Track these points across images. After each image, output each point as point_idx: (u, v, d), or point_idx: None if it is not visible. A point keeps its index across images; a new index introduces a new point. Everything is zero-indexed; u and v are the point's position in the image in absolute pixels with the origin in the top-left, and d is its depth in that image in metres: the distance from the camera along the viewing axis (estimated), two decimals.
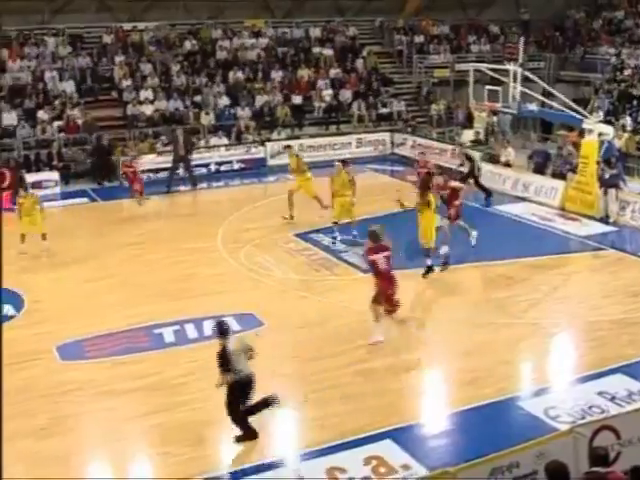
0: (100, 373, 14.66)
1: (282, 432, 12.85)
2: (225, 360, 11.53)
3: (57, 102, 33.33)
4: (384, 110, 37.67)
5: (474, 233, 20.45)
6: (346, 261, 20.50)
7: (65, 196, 29.04)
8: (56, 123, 32.48)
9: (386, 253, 14.93)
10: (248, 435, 11.97)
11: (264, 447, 12.20)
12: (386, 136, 35.79)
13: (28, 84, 34.11)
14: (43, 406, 13.44)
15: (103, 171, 31.19)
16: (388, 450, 11.72)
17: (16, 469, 11.29)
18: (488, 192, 26.99)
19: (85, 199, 28.82)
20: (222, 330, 11.79)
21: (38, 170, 30.50)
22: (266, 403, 12.09)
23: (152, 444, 12.37)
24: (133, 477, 11.72)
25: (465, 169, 27.43)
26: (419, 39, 41.99)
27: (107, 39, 37.29)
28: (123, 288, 18.96)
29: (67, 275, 20.04)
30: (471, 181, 26.75)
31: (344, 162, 22.92)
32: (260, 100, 35.98)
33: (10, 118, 32.34)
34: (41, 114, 32.54)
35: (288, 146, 26.28)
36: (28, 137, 31.90)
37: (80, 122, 32.73)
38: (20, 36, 35.94)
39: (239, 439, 11.98)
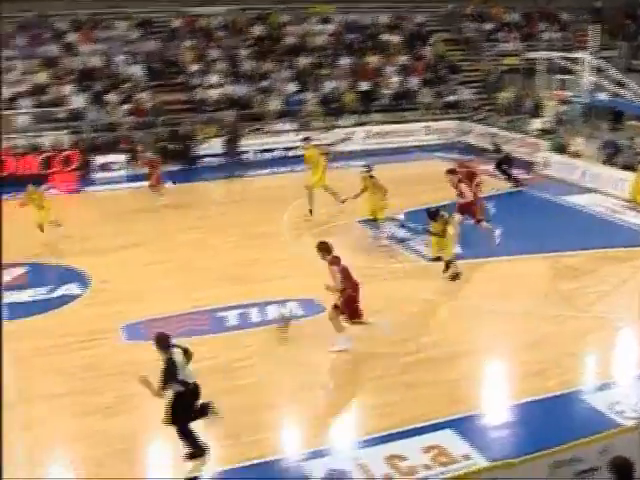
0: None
1: (342, 419, 12.85)
2: (172, 372, 10.81)
3: (126, 85, 33.69)
4: (451, 98, 37.39)
5: (497, 232, 20.02)
6: (411, 249, 20.39)
7: (131, 179, 29.33)
8: (124, 106, 32.83)
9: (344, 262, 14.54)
10: (197, 450, 11.28)
11: (324, 433, 12.23)
12: (453, 124, 35.54)
13: (98, 67, 34.51)
14: (109, 384, 13.64)
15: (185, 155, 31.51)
16: (448, 440, 11.65)
17: (84, 444, 11.49)
18: (517, 182, 26.83)
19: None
20: (165, 344, 11.01)
21: (105, 153, 30.82)
22: (203, 411, 11.42)
23: (209, 426, 12.42)
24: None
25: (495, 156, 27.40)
26: (488, 26, 41.55)
27: (176, 23, 37.54)
28: (187, 271, 19.12)
29: (132, 257, 20.26)
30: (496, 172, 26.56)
31: (367, 167, 22.01)
32: (327, 86, 35.94)
33: (79, 101, 32.79)
34: (110, 97, 32.92)
35: (306, 138, 25.41)
36: (96, 120, 32.28)
37: (148, 106, 33.03)
38: (91, 20, 36.36)
39: (190, 456, 11.29)
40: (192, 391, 11.09)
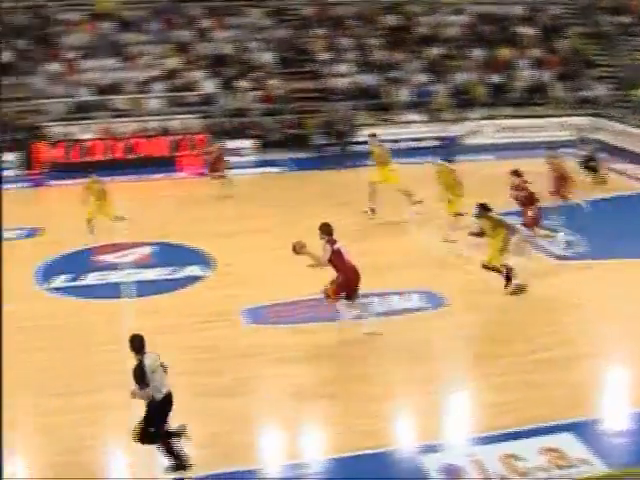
0: (282, 339, 14.93)
1: (459, 414, 12.69)
2: (139, 376, 10.48)
3: (256, 73, 34.05)
4: (585, 93, 36.44)
5: (560, 236, 19.29)
6: (538, 246, 19.92)
7: (260, 164, 29.66)
8: (254, 93, 33.20)
9: (342, 243, 14.71)
10: (180, 463, 10.80)
11: (440, 427, 12.10)
12: (586, 120, 34.62)
13: (229, 54, 34.99)
14: (228, 366, 13.83)
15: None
16: (567, 443, 11.35)
17: (198, 423, 11.66)
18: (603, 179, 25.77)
19: (279, 168, 29.36)
20: (138, 346, 10.63)
21: (234, 138, 31.24)
22: (177, 434, 10.89)
23: (325, 414, 12.46)
24: (305, 445, 11.90)
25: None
26: (626, 19, 40.29)
27: (308, 11, 37.71)
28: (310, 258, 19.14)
29: (257, 242, 20.44)
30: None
31: (448, 160, 21.55)
32: (458, 78, 35.55)
33: (209, 86, 33.36)
34: (240, 83, 33.35)
35: (373, 134, 24.48)
36: (226, 105, 32.75)
37: (277, 93, 33.32)
38: (224, 7, 36.88)
39: (173, 468, 10.83)
40: (162, 401, 10.65)
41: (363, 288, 15.16)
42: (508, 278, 16.65)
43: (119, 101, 32.99)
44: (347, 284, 14.66)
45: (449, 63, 36.26)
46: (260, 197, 24.62)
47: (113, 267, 18.88)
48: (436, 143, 32.40)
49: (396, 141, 31.99)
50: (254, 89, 33.48)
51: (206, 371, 13.63)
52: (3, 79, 32.76)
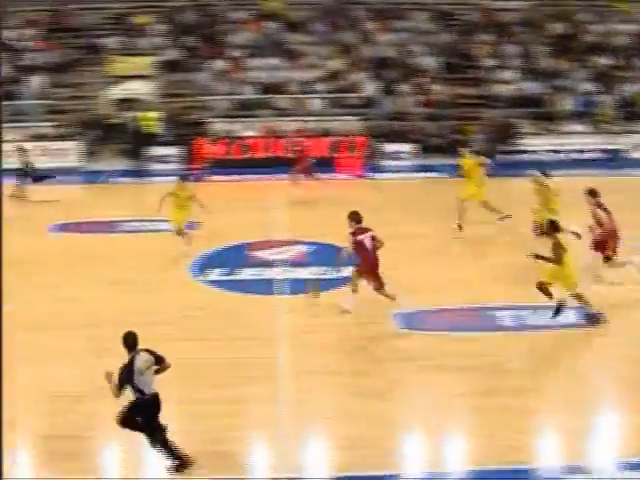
0: (433, 346, 14.72)
1: (605, 435, 12.13)
2: (126, 374, 10.32)
3: (419, 77, 33.90)
4: None
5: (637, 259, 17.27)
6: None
7: (419, 169, 29.48)
8: (416, 97, 33.06)
9: (370, 234, 15.63)
10: (181, 461, 10.68)
11: (584, 448, 11.65)
12: None
13: (392, 57, 34.97)
14: (378, 369, 13.74)
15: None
16: None
17: (344, 424, 11.62)
18: None
19: (438, 173, 29.09)
20: (131, 343, 10.50)
21: (394, 141, 31.18)
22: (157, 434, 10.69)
23: (472, 424, 12.20)
24: (447, 455, 11.66)
25: None
26: None
27: (473, 17, 37.28)
28: (464, 266, 18.89)
29: (414, 246, 20.24)
30: None
31: (545, 174, 20.48)
32: (625, 89, 34.41)
33: (371, 89, 33.45)
34: (402, 87, 33.27)
35: (463, 147, 23.47)
36: (387, 108, 32.73)
37: (439, 98, 33.09)
38: (389, 10, 36.88)
39: (176, 468, 10.68)
40: (148, 402, 10.48)
41: (518, 300, 14.78)
42: (558, 310, 15.17)
43: (282, 100, 33.48)
44: (362, 272, 15.71)
45: (617, 73, 35.16)
46: (419, 202, 24.42)
47: (268, 264, 19.08)
48: (600, 155, 31.42)
49: (558, 152, 31.36)
50: (416, 93, 33.36)
51: (355, 372, 13.60)
52: (170, 75, 33.85)
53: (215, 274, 18.52)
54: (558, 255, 14.88)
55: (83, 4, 37.85)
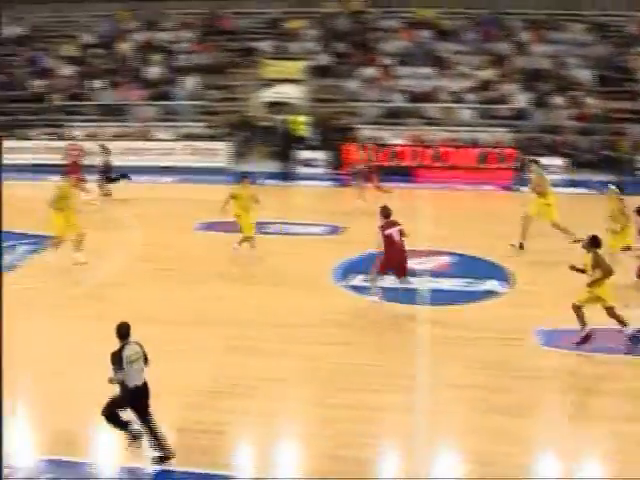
0: (575, 366, 14.45)
1: None
2: (118, 362, 10.63)
3: (573, 89, 33.17)
4: None
5: None
6: None
7: (570, 184, 28.81)
8: (569, 110, 32.38)
9: (398, 227, 16.46)
10: (166, 453, 10.96)
11: None
12: None
13: (546, 69, 34.34)
14: (516, 385, 13.46)
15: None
16: None
17: (474, 439, 11.48)
18: None
19: (589, 190, 28.14)
20: (123, 333, 10.79)
21: (545, 155, 30.58)
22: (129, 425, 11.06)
23: (607, 450, 11.69)
24: (574, 474, 11.29)
25: None
26: None
27: (632, 29, 36.19)
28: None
29: (561, 263, 19.61)
30: None
31: (619, 187, 19.05)
32: None
33: (522, 100, 32.94)
34: (555, 100, 32.63)
35: (534, 161, 22.27)
36: (539, 121, 32.17)
37: (593, 112, 32.29)
38: (544, 21, 36.24)
39: (160, 460, 10.97)
40: (133, 392, 10.77)
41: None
42: (586, 338, 14.62)
43: (431, 109, 33.36)
44: (388, 263, 16.43)
45: None
46: (569, 218, 23.66)
47: (411, 273, 19.03)
48: None
49: None
50: (569, 106, 32.64)
51: (493, 388, 13.36)
52: (320, 81, 34.23)
53: (358, 280, 18.54)
54: (606, 269, 14.42)
55: (238, 8, 38.75)
